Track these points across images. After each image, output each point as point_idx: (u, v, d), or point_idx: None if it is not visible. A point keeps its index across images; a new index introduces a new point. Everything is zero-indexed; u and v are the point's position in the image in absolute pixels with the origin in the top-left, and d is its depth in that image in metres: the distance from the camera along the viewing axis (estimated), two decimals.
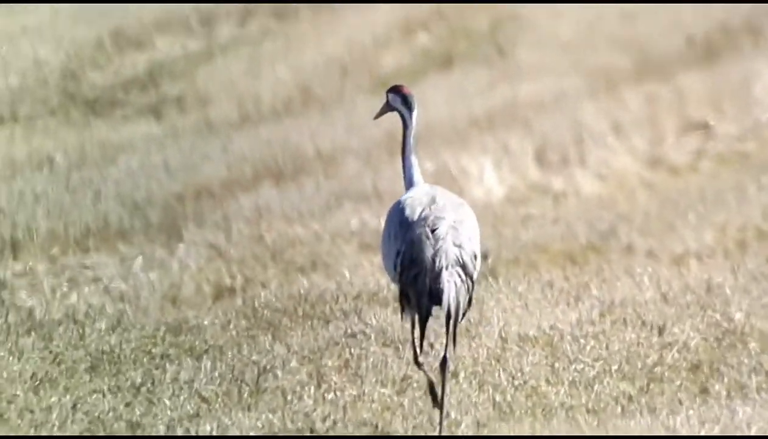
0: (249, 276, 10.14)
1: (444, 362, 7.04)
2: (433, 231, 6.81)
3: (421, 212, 6.91)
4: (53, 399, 7.66)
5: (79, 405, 7.61)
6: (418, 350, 6.98)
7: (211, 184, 12.47)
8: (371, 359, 8.20)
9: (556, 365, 8.00)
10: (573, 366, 7.96)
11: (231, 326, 8.84)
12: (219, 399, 7.72)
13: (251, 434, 7.26)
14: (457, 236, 6.85)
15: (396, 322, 8.80)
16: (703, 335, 8.19)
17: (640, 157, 12.67)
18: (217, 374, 8.07)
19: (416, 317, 6.91)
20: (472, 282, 6.87)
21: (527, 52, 15.48)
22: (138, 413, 7.53)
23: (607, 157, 12.57)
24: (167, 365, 8.19)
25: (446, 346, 7.01)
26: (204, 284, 9.92)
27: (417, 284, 6.79)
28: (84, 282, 9.94)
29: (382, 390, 7.77)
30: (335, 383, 7.89)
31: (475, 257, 6.92)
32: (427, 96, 14.67)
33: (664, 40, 15.16)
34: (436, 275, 6.77)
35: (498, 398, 7.60)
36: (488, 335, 8.49)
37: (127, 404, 7.63)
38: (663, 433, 7.01)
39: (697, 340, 8.13)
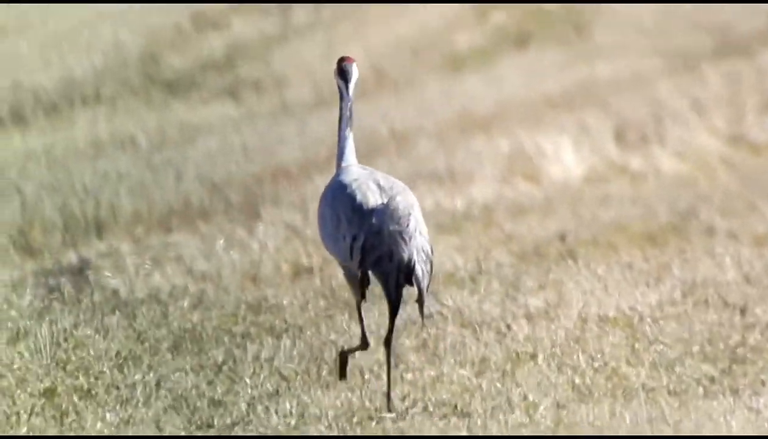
0: (326, 256, 10.20)
1: (388, 341, 7.21)
2: (405, 226, 6.95)
3: (378, 200, 7.00)
4: (137, 376, 7.78)
5: (162, 383, 7.73)
6: (372, 332, 7.23)
7: (288, 166, 12.56)
8: (449, 340, 8.21)
9: (637, 346, 7.93)
10: (653, 347, 7.89)
11: (309, 306, 8.92)
12: (298, 377, 7.80)
13: (330, 412, 7.33)
14: (418, 225, 7.02)
15: (473, 303, 8.80)
16: None
17: (720, 135, 12.49)
18: (296, 352, 8.14)
19: (359, 300, 7.16)
20: (432, 263, 7.10)
21: (604, 32, 15.32)
22: (220, 391, 7.63)
23: (687, 135, 12.41)
24: (248, 343, 8.29)
25: (390, 330, 7.16)
26: (282, 264, 10.01)
27: (381, 267, 6.97)
28: (166, 261, 10.08)
29: (461, 371, 7.79)
30: (413, 363, 7.92)
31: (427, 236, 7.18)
32: (502, 75, 14.60)
33: (744, 18, 14.88)
34: (411, 270, 6.98)
35: (577, 379, 7.57)
36: (567, 316, 8.45)
37: (209, 382, 7.74)
38: (746, 414, 6.92)
39: None
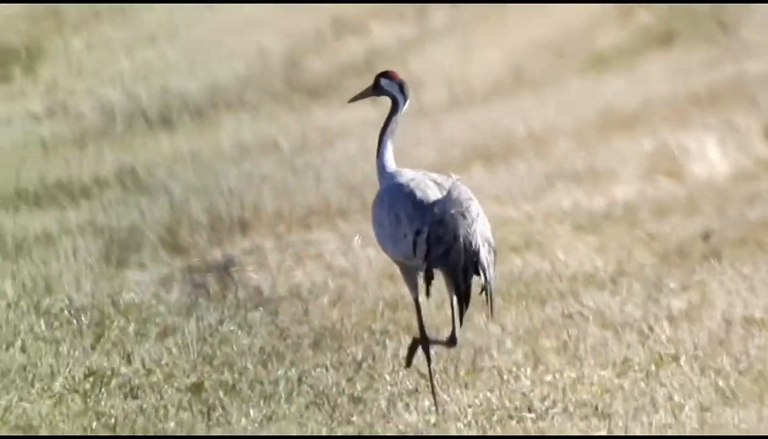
0: None
1: (453, 339, 7.27)
2: (466, 211, 7.04)
3: (439, 194, 7.09)
4: (280, 372, 7.91)
5: (304, 379, 7.85)
6: (457, 325, 7.23)
7: (423, 167, 12.60)
8: (589, 341, 8.12)
9: None
10: None
11: (446, 305, 8.92)
12: (437, 376, 7.82)
13: (469, 410, 7.33)
14: (480, 213, 7.12)
15: (614, 304, 8.68)
16: None
17: None
18: (434, 351, 8.17)
19: (416, 295, 7.25)
20: (496, 254, 7.17)
21: (751, 29, 14.90)
22: (359, 387, 7.71)
23: None
24: (386, 341, 8.36)
25: (453, 324, 7.23)
26: None
27: (448, 260, 7.00)
28: (307, 259, 10.25)
29: (602, 372, 7.69)
30: (553, 365, 7.86)
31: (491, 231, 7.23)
32: (645, 74, 14.35)
33: None
34: (476, 253, 7.02)
35: (721, 382, 7.39)
36: (710, 317, 8.26)
37: (349, 379, 7.83)
38: None
39: None
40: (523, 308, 8.79)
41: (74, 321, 8.68)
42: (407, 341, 8.31)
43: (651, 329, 8.21)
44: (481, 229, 7.05)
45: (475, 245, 7.01)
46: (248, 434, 7.17)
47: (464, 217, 7.02)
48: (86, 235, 10.85)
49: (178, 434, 7.18)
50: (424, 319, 7.35)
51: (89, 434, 7.17)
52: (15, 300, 9.10)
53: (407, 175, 7.26)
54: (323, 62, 16.35)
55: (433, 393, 7.34)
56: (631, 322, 8.38)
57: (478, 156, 12.89)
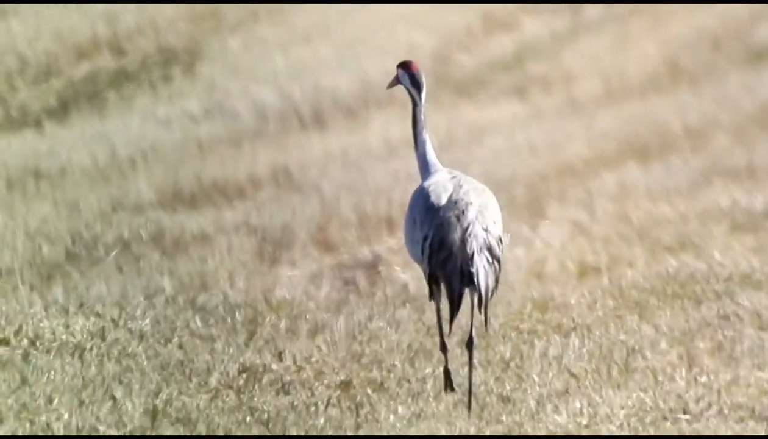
0: (614, 255, 10.03)
1: (470, 342, 7.10)
2: (462, 214, 6.87)
3: (448, 197, 6.94)
4: (428, 370, 7.94)
5: (452, 377, 7.85)
6: (445, 333, 7.11)
7: (575, 162, 12.44)
8: (746, 343, 7.88)
9: None
10: None
11: (597, 305, 8.79)
12: (588, 376, 7.71)
13: (622, 412, 7.20)
14: (483, 220, 6.88)
15: None
16: None
17: None
18: (585, 351, 8.05)
19: (441, 301, 7.05)
20: (499, 264, 6.95)
21: None
22: (508, 387, 7.67)
23: None
24: (535, 340, 8.28)
25: (471, 326, 7.06)
26: (568, 262, 9.92)
27: (447, 267, 6.85)
28: None
29: (759, 374, 7.45)
30: (708, 366, 7.65)
31: (500, 240, 6.98)
32: None
33: None
34: (468, 259, 6.84)
35: None
36: None
37: (497, 378, 7.79)
38: None
39: None
40: (678, 309, 8.59)
41: (228, 318, 8.91)
42: (557, 341, 8.22)
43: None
44: (479, 232, 6.89)
45: (470, 249, 6.86)
46: (396, 430, 7.21)
47: (459, 220, 6.90)
48: (240, 234, 11.12)
49: (327, 429, 7.28)
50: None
51: (243, 428, 7.33)
52: (173, 296, 9.40)
53: (435, 177, 7.14)
54: (472, 58, 16.30)
55: (449, 381, 7.12)
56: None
57: (633, 151, 12.65)
